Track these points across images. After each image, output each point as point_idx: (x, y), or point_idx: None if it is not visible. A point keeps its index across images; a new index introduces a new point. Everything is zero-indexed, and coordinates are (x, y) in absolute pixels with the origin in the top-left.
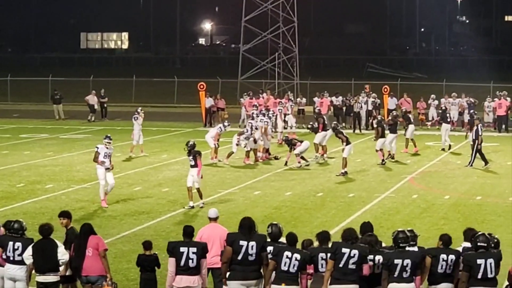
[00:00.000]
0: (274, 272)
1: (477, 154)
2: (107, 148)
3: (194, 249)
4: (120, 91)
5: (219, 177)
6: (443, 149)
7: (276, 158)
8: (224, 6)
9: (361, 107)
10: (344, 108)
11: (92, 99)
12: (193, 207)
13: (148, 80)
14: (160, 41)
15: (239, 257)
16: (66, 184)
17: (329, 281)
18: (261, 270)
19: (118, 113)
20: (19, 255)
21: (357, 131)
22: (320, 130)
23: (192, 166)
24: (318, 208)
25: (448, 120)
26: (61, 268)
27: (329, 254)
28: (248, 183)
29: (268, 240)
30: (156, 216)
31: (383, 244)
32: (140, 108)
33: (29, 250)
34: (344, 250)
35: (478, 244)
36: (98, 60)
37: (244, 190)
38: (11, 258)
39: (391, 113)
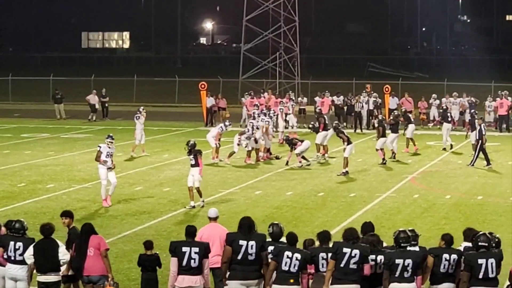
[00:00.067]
0: (274, 272)
1: (480, 154)
2: (109, 147)
3: (197, 249)
4: (121, 90)
5: (220, 176)
6: (444, 149)
7: (277, 157)
8: (225, 5)
9: (362, 106)
10: (345, 108)
11: (93, 98)
12: (194, 206)
13: (149, 80)
14: (161, 41)
15: (239, 257)
16: (67, 183)
17: (330, 281)
18: (262, 270)
19: (119, 113)
20: (20, 255)
21: (358, 130)
22: (320, 130)
23: (192, 166)
24: (319, 208)
25: (449, 119)
26: (64, 268)
27: (330, 254)
28: (249, 182)
29: (269, 240)
30: (157, 216)
31: (384, 244)
32: (142, 107)
33: (30, 250)
34: (345, 250)
35: (479, 244)
36: (99, 60)
37: (245, 190)
38: (12, 258)
39: (392, 113)
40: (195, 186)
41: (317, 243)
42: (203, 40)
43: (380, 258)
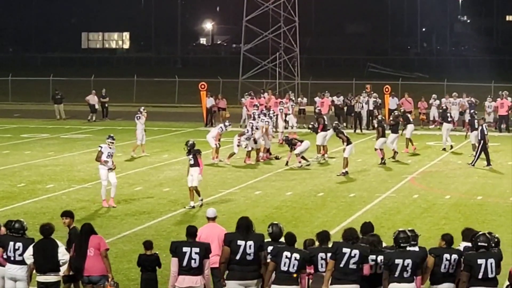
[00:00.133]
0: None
1: (482, 154)
2: (110, 148)
3: (197, 249)
4: (121, 91)
5: (220, 177)
6: (444, 149)
7: (277, 158)
8: (225, 5)
9: (362, 107)
10: (345, 108)
11: (93, 99)
12: (193, 207)
13: (149, 80)
14: (161, 41)
15: (237, 257)
16: (67, 184)
17: (330, 281)
18: (260, 270)
19: (119, 113)
20: (19, 255)
21: (358, 131)
22: (319, 131)
23: (192, 166)
24: (319, 208)
25: (449, 119)
26: (65, 268)
27: (329, 254)
28: (249, 183)
29: (269, 240)
30: (157, 216)
31: (384, 244)
32: (143, 107)
33: (29, 250)
34: (344, 250)
35: (479, 244)
36: (99, 60)
37: (245, 190)
38: (12, 258)
39: (392, 113)
40: (193, 185)
41: (317, 243)
42: (203, 40)
43: (381, 258)
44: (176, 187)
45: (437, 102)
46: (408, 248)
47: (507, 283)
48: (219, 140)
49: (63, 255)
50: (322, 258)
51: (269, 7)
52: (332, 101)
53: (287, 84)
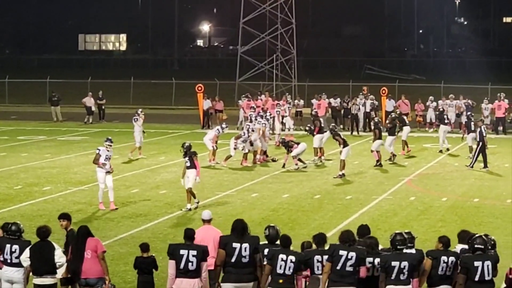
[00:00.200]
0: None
1: (480, 156)
2: (108, 150)
3: (194, 252)
4: (118, 93)
5: (217, 179)
6: (440, 151)
7: (273, 160)
8: (222, 7)
9: (359, 109)
10: (342, 110)
11: (89, 101)
12: (190, 209)
13: (146, 82)
14: (158, 43)
15: (233, 260)
16: (63, 186)
17: (326, 284)
18: (256, 273)
19: (116, 115)
20: (16, 257)
21: (355, 133)
22: (316, 133)
23: (188, 168)
24: (316, 210)
25: (446, 121)
26: (63, 270)
27: (325, 256)
28: (245, 185)
29: (266, 242)
30: (153, 218)
31: (380, 247)
32: (140, 109)
33: (26, 253)
34: (341, 252)
35: (475, 246)
36: (96, 62)
37: (241, 192)
38: (9, 261)
39: (389, 115)
40: (187, 186)
41: (314, 246)
42: (200, 42)
43: (378, 260)
44: (172, 189)
45: (434, 104)
46: (404, 251)
47: (504, 285)
48: (216, 142)
49: (60, 257)
50: (318, 261)
51: (266, 9)
52: (329, 103)
53: (284, 86)
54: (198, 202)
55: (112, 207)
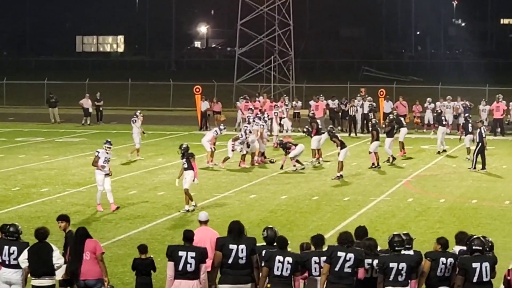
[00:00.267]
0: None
1: (478, 157)
2: (107, 153)
3: (193, 254)
4: (116, 94)
5: (215, 180)
6: (438, 152)
7: (271, 161)
8: (220, 9)
9: (357, 110)
10: (340, 112)
11: (86, 102)
12: (188, 210)
13: (144, 84)
14: (156, 44)
15: (230, 261)
16: (61, 187)
17: (325, 285)
18: (253, 274)
19: (114, 117)
20: (14, 259)
21: (353, 134)
22: (313, 135)
23: (185, 169)
24: (314, 212)
25: (444, 123)
26: (62, 272)
27: (322, 258)
28: (243, 186)
29: (264, 244)
30: (151, 220)
31: (379, 248)
32: (139, 111)
33: (24, 254)
34: (339, 253)
35: (474, 247)
36: (93, 64)
37: (239, 194)
38: (7, 262)
39: (387, 117)
40: (184, 187)
41: (312, 247)
42: (197, 44)
43: (376, 262)
44: (170, 191)
45: (432, 105)
46: (402, 252)
47: (502, 286)
48: (214, 143)
49: (58, 259)
50: (315, 262)
51: (264, 11)
52: (327, 104)
53: (282, 88)
54: (195, 206)
55: (113, 208)
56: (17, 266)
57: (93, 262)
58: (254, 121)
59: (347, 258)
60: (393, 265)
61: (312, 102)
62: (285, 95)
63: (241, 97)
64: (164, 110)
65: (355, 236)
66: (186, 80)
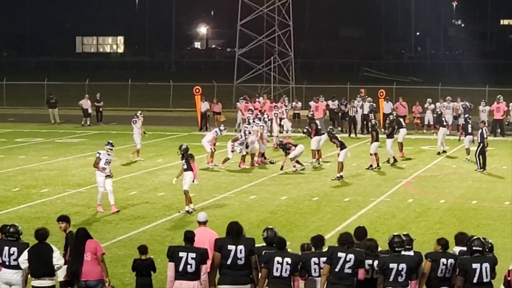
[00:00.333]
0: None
1: (480, 157)
2: (108, 154)
3: (193, 255)
4: (116, 95)
5: (215, 181)
6: (438, 153)
7: (271, 162)
8: (219, 10)
9: (357, 111)
10: (340, 112)
11: (86, 103)
12: (188, 211)
13: (144, 84)
14: (156, 45)
15: (228, 262)
16: (61, 188)
17: (325, 286)
18: (252, 275)
19: (114, 117)
20: (14, 260)
21: (353, 135)
22: (313, 136)
23: (185, 170)
24: (314, 213)
25: (444, 124)
26: (64, 272)
27: (322, 259)
28: (243, 187)
29: (264, 244)
30: (151, 221)
31: (379, 249)
32: (139, 112)
33: (24, 255)
34: (340, 254)
35: (474, 248)
36: (93, 64)
37: (239, 195)
38: (7, 263)
39: (388, 118)
40: (183, 188)
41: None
42: (197, 44)
43: (377, 263)
44: (170, 191)
45: (432, 106)
46: (403, 253)
47: (502, 287)
48: (214, 144)
49: (58, 259)
50: (315, 263)
51: (264, 11)
52: (327, 105)
53: (282, 88)
54: (193, 209)
55: (113, 210)
56: (17, 267)
57: (94, 263)
58: (254, 121)
59: (347, 259)
60: (393, 265)
61: (312, 103)
62: (285, 95)
63: (241, 97)
64: (164, 111)
65: (354, 237)
66: (186, 81)
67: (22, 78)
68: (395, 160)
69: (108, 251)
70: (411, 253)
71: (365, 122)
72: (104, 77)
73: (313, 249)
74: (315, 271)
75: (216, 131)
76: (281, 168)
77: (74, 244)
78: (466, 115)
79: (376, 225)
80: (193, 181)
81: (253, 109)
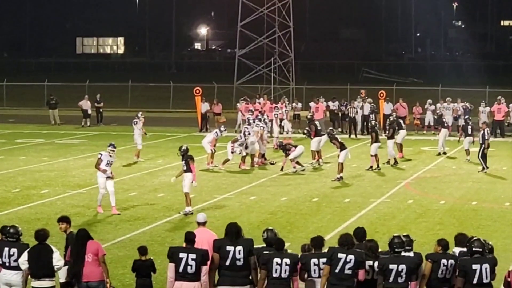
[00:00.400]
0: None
1: (480, 158)
2: (110, 156)
3: (194, 256)
4: (116, 96)
5: (215, 182)
6: (439, 154)
7: (271, 163)
8: (220, 11)
9: (357, 112)
10: (340, 113)
11: (86, 104)
12: (185, 213)
13: (144, 85)
14: (156, 46)
15: (227, 263)
16: (61, 189)
17: (325, 287)
18: (251, 276)
19: (114, 118)
20: (14, 260)
21: (353, 136)
22: (312, 137)
23: (185, 171)
24: (314, 213)
25: (445, 124)
26: (65, 274)
27: (322, 259)
28: (243, 188)
29: (264, 245)
30: (151, 222)
31: (379, 249)
32: (140, 113)
33: (24, 255)
34: (340, 255)
35: (473, 249)
36: (93, 65)
37: (239, 195)
38: (7, 264)
39: (388, 119)
40: (184, 191)
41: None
42: (197, 45)
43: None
44: (170, 192)
45: (433, 107)
46: (403, 254)
47: None
48: (214, 145)
49: (58, 260)
50: (314, 264)
51: (264, 12)
52: (327, 106)
53: (282, 89)
54: (191, 212)
55: (114, 211)
56: (17, 268)
57: (95, 264)
58: (254, 122)
59: (348, 260)
60: (392, 266)
61: (312, 104)
62: (285, 96)
63: (241, 98)
64: (164, 112)
65: (353, 238)
66: (186, 82)
67: (23, 79)
68: (396, 161)
69: (108, 252)
70: (411, 254)
71: (365, 123)
72: (104, 78)
73: (312, 250)
74: (314, 272)
75: (216, 132)
76: (281, 169)
77: (75, 245)
78: (466, 116)
79: (376, 226)
80: (191, 183)
81: (253, 110)
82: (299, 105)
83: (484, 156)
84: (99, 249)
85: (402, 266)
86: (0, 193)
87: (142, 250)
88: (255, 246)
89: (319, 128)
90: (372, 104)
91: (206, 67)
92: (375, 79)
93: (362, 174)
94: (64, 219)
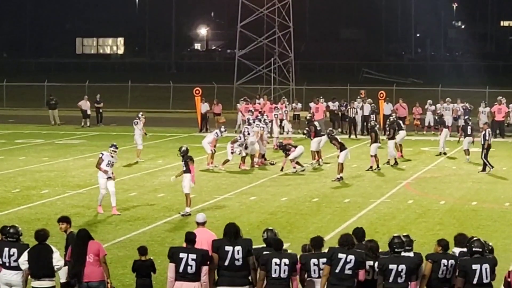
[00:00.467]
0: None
1: (484, 158)
2: (112, 156)
3: (194, 256)
4: (116, 96)
5: (215, 182)
6: (439, 154)
7: (271, 163)
8: (220, 11)
9: (357, 112)
10: (340, 113)
11: (85, 104)
12: (183, 214)
13: (144, 86)
14: (156, 46)
15: (226, 263)
16: (61, 189)
17: (325, 287)
18: (250, 276)
19: (114, 119)
20: (14, 261)
21: (353, 136)
22: (312, 137)
23: (184, 172)
24: (314, 214)
25: (447, 124)
26: (66, 274)
27: (321, 260)
28: (243, 188)
29: (264, 245)
30: (151, 222)
31: (379, 250)
32: (141, 113)
33: (24, 256)
34: (340, 255)
35: (473, 249)
36: (93, 65)
37: (239, 196)
38: (7, 264)
39: (388, 119)
40: (184, 192)
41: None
42: (197, 45)
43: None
44: (170, 193)
45: (433, 107)
46: (402, 254)
47: None
48: (214, 146)
49: (58, 260)
50: (314, 264)
51: (264, 13)
52: (327, 106)
53: (282, 90)
54: (189, 213)
55: (114, 212)
56: (17, 268)
57: (96, 264)
58: (254, 122)
59: (348, 260)
60: (392, 267)
61: (312, 104)
62: (284, 97)
63: (241, 99)
64: (164, 112)
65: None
66: (186, 82)
67: (22, 79)
68: (396, 162)
69: (108, 252)
70: (411, 254)
71: (365, 124)
72: (104, 78)
73: (312, 251)
74: (314, 272)
75: (216, 133)
76: (281, 169)
77: (75, 245)
78: (466, 117)
79: (376, 226)
80: (191, 184)
81: (253, 110)
82: (299, 105)
83: (485, 157)
84: (100, 250)
85: (402, 266)
86: (0, 193)
87: (142, 250)
88: (254, 246)
89: (318, 128)
90: (372, 105)
91: (206, 67)
92: (375, 80)
93: (362, 175)
94: (64, 219)
